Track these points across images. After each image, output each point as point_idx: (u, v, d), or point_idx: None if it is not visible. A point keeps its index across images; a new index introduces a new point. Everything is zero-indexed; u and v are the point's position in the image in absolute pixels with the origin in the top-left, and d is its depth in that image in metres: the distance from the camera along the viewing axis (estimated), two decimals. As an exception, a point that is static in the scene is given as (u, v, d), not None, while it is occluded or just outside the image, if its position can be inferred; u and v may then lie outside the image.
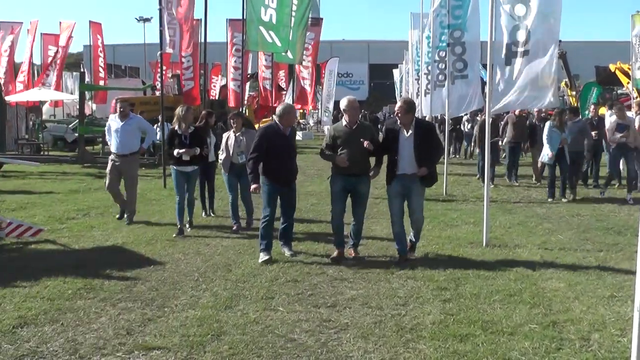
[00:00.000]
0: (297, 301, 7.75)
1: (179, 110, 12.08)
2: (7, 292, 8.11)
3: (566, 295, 7.95)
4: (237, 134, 12.19)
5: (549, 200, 15.75)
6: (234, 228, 12.22)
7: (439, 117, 28.34)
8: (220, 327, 6.80)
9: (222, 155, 12.41)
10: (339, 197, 9.83)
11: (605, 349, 6.24)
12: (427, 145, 9.47)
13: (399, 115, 9.46)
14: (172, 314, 7.29)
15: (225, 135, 12.54)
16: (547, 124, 15.87)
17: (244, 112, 33.38)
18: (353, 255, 9.97)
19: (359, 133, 9.62)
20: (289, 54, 21.79)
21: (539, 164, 18.63)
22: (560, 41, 39.67)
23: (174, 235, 11.63)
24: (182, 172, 11.95)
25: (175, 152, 11.83)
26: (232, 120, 12.40)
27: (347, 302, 7.70)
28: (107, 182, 13.17)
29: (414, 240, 10.04)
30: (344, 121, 9.83)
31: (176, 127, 12.01)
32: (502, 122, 19.61)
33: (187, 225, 12.15)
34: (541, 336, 6.53)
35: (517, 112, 18.78)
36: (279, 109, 10.10)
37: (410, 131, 9.42)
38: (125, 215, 13.05)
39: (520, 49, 10.92)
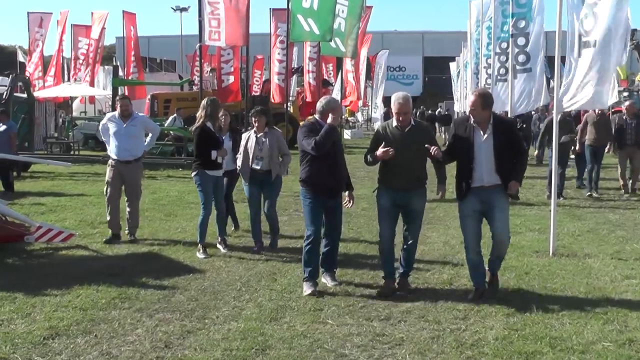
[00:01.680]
0: (348, 313, 7.76)
1: (207, 105, 11.05)
2: (37, 300, 8.26)
3: (645, 310, 7.82)
4: (258, 135, 11.19)
5: None
6: (256, 248, 11.16)
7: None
8: (265, 341, 6.85)
9: (239, 161, 11.42)
10: (388, 215, 8.69)
11: (689, 371, 6.15)
12: (510, 149, 8.24)
13: (474, 111, 8.23)
14: (214, 326, 7.35)
15: (244, 137, 11.54)
16: None
17: (288, 108, 33.74)
18: (402, 286, 8.75)
19: (414, 136, 8.45)
20: (341, 46, 21.79)
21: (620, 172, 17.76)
22: (635, 30, 39.19)
23: (202, 256, 10.70)
24: (213, 177, 11.00)
25: (213, 154, 10.85)
26: (254, 119, 11.33)
27: (402, 315, 7.70)
28: (108, 192, 12.13)
29: (491, 271, 8.70)
30: (394, 121, 8.59)
31: (208, 124, 10.97)
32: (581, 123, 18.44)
33: (221, 246, 11.23)
34: (616, 355, 6.46)
35: (597, 111, 17.44)
36: (320, 104, 8.92)
37: (488, 132, 8.15)
38: (127, 231, 12.18)
39: (590, 39, 10.67)
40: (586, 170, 17.87)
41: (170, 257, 10.69)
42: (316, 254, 8.83)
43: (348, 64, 36.46)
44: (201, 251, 10.78)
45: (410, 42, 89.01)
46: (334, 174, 8.81)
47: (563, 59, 11.08)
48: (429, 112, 48.40)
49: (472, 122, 8.27)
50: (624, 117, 17.67)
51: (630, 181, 17.73)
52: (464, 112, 20.47)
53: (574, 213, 14.60)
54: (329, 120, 8.57)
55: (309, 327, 7.30)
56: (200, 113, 11.00)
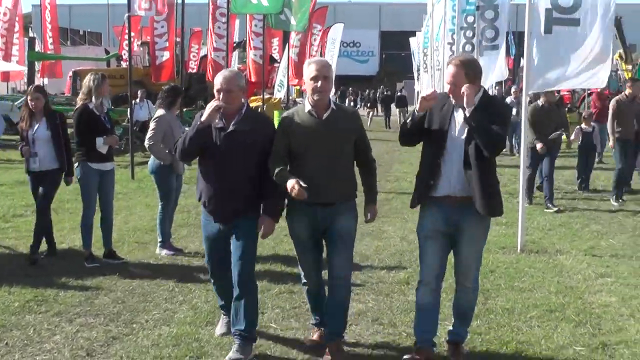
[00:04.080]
0: (294, 316, 7.78)
1: (89, 81, 9.98)
2: (-60, 304, 8.13)
3: (619, 312, 8.00)
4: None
5: None
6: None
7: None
8: (200, 347, 6.84)
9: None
10: (306, 246, 6.82)
11: (667, 377, 6.30)
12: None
13: (454, 88, 6.33)
14: (142, 331, 7.31)
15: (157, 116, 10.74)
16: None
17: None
18: (333, 353, 6.65)
19: (336, 126, 6.55)
20: (291, 19, 21.68)
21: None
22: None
23: (90, 265, 9.94)
24: (98, 171, 10.00)
25: (98, 141, 9.80)
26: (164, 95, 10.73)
27: (355, 319, 7.72)
28: None
29: (456, 332, 6.78)
30: (306, 104, 6.63)
31: (90, 105, 9.92)
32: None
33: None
34: (588, 361, 6.58)
35: (627, 92, 15.51)
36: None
37: (469, 111, 6.25)
38: None
39: (566, 16, 10.88)
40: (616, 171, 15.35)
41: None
42: (226, 296, 7.10)
43: (294, 39, 36.34)
44: (89, 260, 10.05)
45: (366, 15, 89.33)
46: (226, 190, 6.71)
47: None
48: (386, 92, 48.52)
49: (451, 100, 6.39)
50: None
51: None
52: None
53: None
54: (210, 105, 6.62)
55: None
56: (83, 91, 10.15)
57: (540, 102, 14.86)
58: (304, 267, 6.96)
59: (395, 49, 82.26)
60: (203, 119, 6.50)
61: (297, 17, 22.39)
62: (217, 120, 6.56)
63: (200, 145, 6.64)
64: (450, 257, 6.62)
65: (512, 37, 39.62)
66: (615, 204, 14.81)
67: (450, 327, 6.81)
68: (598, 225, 12.76)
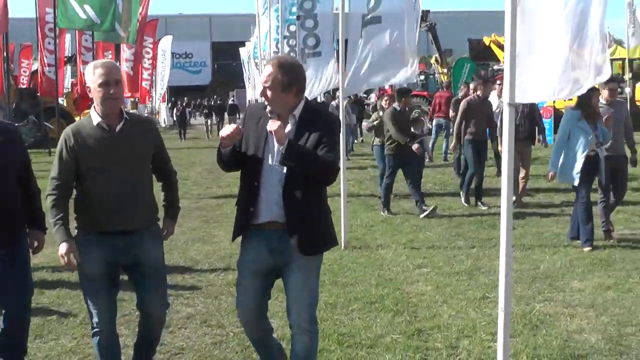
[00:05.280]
0: (124, 324, 7.62)
1: None
2: None
3: (434, 299, 8.29)
4: None
5: None
6: None
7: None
8: (26, 361, 6.64)
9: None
10: (101, 286, 5.62)
11: (475, 356, 6.60)
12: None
13: (270, 92, 5.26)
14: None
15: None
16: (567, 114, 10.94)
17: (62, 102, 32.76)
18: None
19: (132, 139, 5.55)
20: (120, 31, 21.38)
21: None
22: (428, 11, 40.97)
23: None
24: None
25: None
26: None
27: (183, 322, 7.71)
28: None
29: None
30: (94, 116, 5.51)
31: None
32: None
33: None
34: (404, 347, 6.79)
35: (479, 93, 15.05)
36: None
37: (290, 127, 5.31)
38: None
39: (371, 16, 11.26)
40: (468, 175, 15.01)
41: None
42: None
43: (127, 52, 35.85)
44: None
45: (197, 27, 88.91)
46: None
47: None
48: (219, 102, 48.44)
49: (267, 111, 5.31)
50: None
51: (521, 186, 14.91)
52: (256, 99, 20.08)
53: (368, 203, 15.16)
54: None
55: (79, 342, 7.16)
56: None
57: (395, 105, 14.25)
58: (97, 313, 5.62)
59: (227, 59, 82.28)
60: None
61: (126, 30, 22.07)
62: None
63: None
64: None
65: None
66: (466, 204, 14.64)
67: None
68: (417, 220, 13.16)
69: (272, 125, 5.09)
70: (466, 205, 14.62)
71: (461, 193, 15.01)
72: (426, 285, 8.84)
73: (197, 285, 9.09)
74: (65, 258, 5.37)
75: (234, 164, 5.43)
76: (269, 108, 5.29)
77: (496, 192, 13.50)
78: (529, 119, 14.47)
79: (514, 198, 13.82)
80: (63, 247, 5.36)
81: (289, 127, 5.25)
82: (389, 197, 14.25)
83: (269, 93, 5.25)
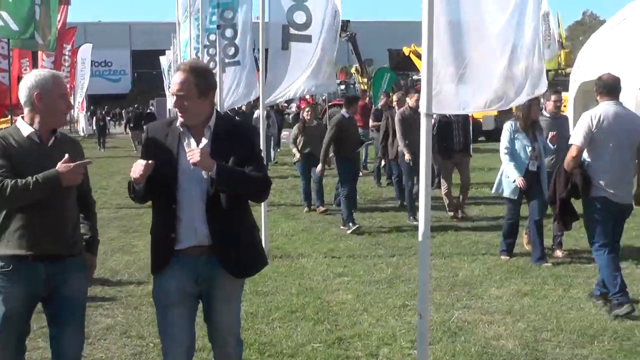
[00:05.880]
0: (40, 336, 7.48)
1: None
2: None
3: (354, 307, 8.32)
4: None
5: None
6: None
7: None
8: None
9: None
10: (19, 319, 4.98)
11: (394, 364, 6.63)
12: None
13: (182, 102, 4.78)
14: None
15: None
16: (508, 126, 10.52)
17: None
18: None
19: (60, 157, 4.82)
20: (38, 38, 20.93)
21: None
22: (348, 21, 41.11)
23: None
24: None
25: None
26: None
27: (103, 333, 7.59)
28: None
29: None
30: (24, 126, 5.00)
31: None
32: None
33: None
34: (325, 355, 6.81)
35: (411, 105, 14.05)
36: None
37: (205, 140, 4.87)
38: None
39: (300, 33, 11.29)
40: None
41: None
42: None
43: (45, 60, 35.23)
44: None
45: (117, 35, 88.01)
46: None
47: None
48: (138, 110, 47.91)
49: (178, 123, 4.88)
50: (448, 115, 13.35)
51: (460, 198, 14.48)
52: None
53: (289, 212, 15.15)
54: None
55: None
56: None
57: (344, 113, 13.89)
58: (4, 352, 4.96)
59: (147, 67, 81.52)
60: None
61: (45, 38, 21.63)
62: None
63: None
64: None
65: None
66: (415, 222, 12.89)
67: None
68: (337, 229, 13.20)
69: (194, 155, 4.61)
70: (415, 223, 12.77)
71: (408, 213, 13.89)
72: (347, 294, 8.87)
73: (116, 296, 8.95)
74: None
75: (149, 194, 4.86)
76: (179, 121, 4.83)
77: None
78: (463, 129, 14.04)
79: (451, 213, 13.96)
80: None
81: (204, 141, 4.82)
82: (351, 208, 13.35)
83: (185, 103, 4.75)
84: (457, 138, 13.91)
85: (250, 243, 5.03)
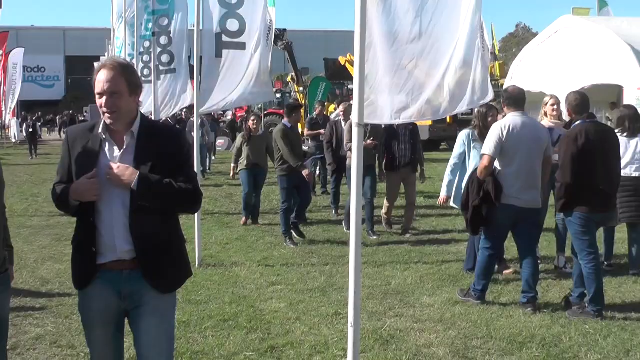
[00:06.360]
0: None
1: None
2: None
3: (287, 316, 8.32)
4: None
5: None
6: None
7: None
8: None
9: None
10: None
11: (327, 372, 6.64)
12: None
13: (111, 105, 4.45)
14: None
15: None
16: (464, 135, 10.45)
17: None
18: None
19: None
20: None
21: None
22: (285, 30, 41.18)
23: None
24: None
25: None
26: None
27: (33, 343, 7.46)
28: None
29: None
30: None
31: None
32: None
33: None
34: (257, 364, 6.79)
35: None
36: None
37: (128, 146, 4.55)
38: None
39: (233, 40, 11.29)
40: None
41: None
42: None
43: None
44: None
45: (50, 40, 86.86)
46: None
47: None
48: (73, 115, 47.27)
49: (100, 129, 4.54)
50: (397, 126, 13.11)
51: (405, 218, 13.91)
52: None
53: (223, 221, 15.09)
54: None
55: None
56: None
57: (286, 122, 13.35)
58: None
59: (81, 73, 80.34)
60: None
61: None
62: None
63: None
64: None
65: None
66: (375, 237, 13.11)
67: None
68: (272, 238, 13.19)
69: (111, 173, 4.39)
70: (375, 237, 13.08)
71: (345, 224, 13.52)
72: (280, 302, 8.86)
73: (47, 305, 8.80)
74: None
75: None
76: (102, 125, 4.51)
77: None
78: (410, 143, 13.38)
79: (387, 228, 13.63)
80: None
81: (129, 146, 4.52)
82: (289, 222, 12.98)
83: (117, 102, 4.45)
84: (404, 151, 13.37)
85: (175, 257, 4.69)
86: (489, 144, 8.49)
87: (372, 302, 8.87)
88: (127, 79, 4.46)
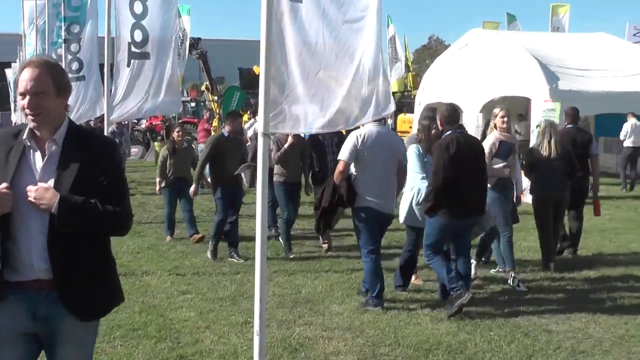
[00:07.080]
0: None
1: None
2: None
3: (196, 325, 8.31)
4: None
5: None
6: None
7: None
8: None
9: None
10: None
11: (234, 380, 6.66)
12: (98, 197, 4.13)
13: (43, 105, 4.07)
14: None
15: None
16: (415, 150, 9.69)
17: None
18: None
19: None
20: None
21: None
22: (199, 39, 40.80)
23: None
24: None
25: None
26: None
27: None
28: None
29: None
30: None
31: None
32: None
33: None
34: (165, 373, 6.76)
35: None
36: None
37: (51, 153, 4.13)
38: None
39: (138, 50, 11.31)
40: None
41: None
42: None
43: None
44: None
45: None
46: None
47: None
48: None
49: (25, 135, 4.13)
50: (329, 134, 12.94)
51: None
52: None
53: (134, 229, 14.87)
54: None
55: None
56: None
57: (224, 131, 12.61)
58: None
59: (-8, 79, 78.74)
60: None
61: None
62: None
63: None
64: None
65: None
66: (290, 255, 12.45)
67: None
68: (183, 247, 13.15)
69: (29, 194, 3.99)
70: (290, 255, 12.42)
71: (284, 246, 12.71)
72: (190, 311, 8.84)
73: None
74: None
75: None
76: (28, 130, 4.11)
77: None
78: (337, 155, 11.39)
79: (325, 245, 12.79)
80: None
81: (52, 153, 4.10)
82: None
83: (42, 102, 4.04)
84: (331, 163, 12.71)
85: (100, 280, 4.23)
86: (344, 151, 9.03)
87: (282, 310, 8.91)
88: (54, 78, 4.08)
